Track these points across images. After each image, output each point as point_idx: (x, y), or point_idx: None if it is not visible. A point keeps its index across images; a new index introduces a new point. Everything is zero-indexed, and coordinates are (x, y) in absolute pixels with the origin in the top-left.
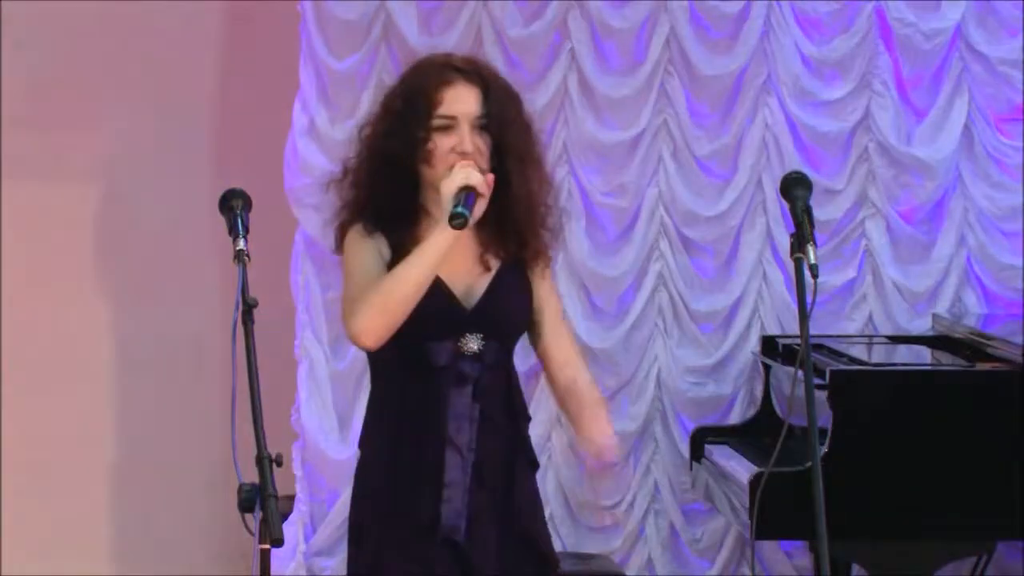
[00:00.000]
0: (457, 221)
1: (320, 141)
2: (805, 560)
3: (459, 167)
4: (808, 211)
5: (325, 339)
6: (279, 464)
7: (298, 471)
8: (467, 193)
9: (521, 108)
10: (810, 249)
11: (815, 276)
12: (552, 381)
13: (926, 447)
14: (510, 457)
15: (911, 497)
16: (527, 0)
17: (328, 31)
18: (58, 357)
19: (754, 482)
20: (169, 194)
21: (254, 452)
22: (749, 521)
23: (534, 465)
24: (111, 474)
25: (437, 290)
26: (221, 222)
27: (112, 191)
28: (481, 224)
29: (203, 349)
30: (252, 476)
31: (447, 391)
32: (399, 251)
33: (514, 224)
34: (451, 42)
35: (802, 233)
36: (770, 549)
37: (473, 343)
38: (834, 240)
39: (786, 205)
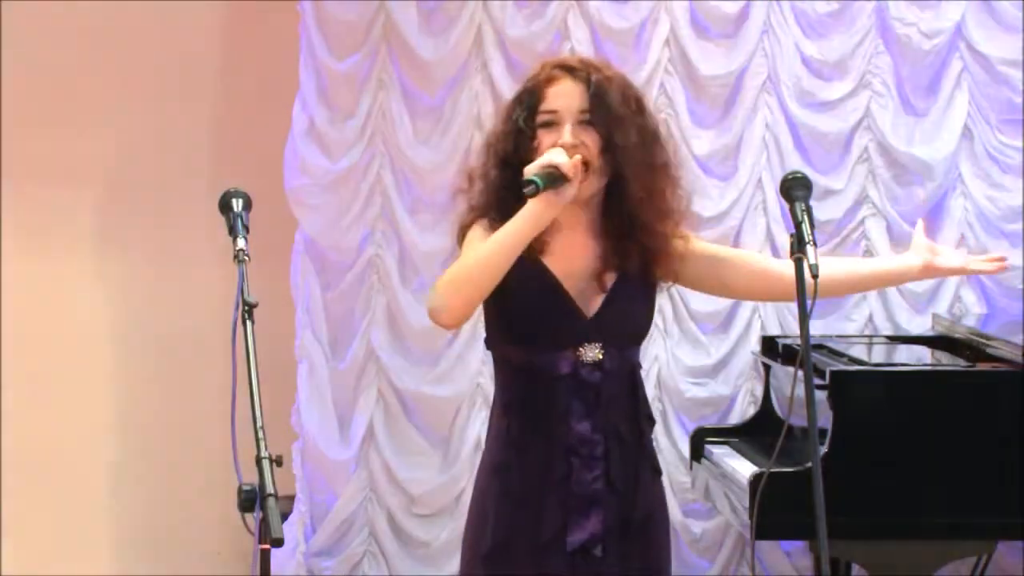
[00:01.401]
0: (528, 188)
1: (320, 141)
2: (805, 560)
3: (548, 151)
4: (808, 211)
5: (325, 339)
6: (279, 464)
7: (298, 471)
8: (549, 172)
9: (638, 107)
10: (810, 249)
11: (815, 276)
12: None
13: (926, 447)
14: (635, 464)
15: (911, 497)
16: (527, 0)
17: (328, 31)
18: (58, 357)
19: (754, 482)
20: (169, 194)
21: (254, 452)
22: (749, 521)
23: (657, 472)
24: (111, 474)
25: (558, 298)
26: (221, 222)
27: (112, 191)
28: (603, 233)
29: (203, 349)
30: (252, 476)
31: (569, 400)
32: (520, 257)
33: (635, 228)
34: (451, 42)
35: (802, 233)
36: (770, 549)
37: (592, 352)
38: (834, 240)
39: (786, 205)
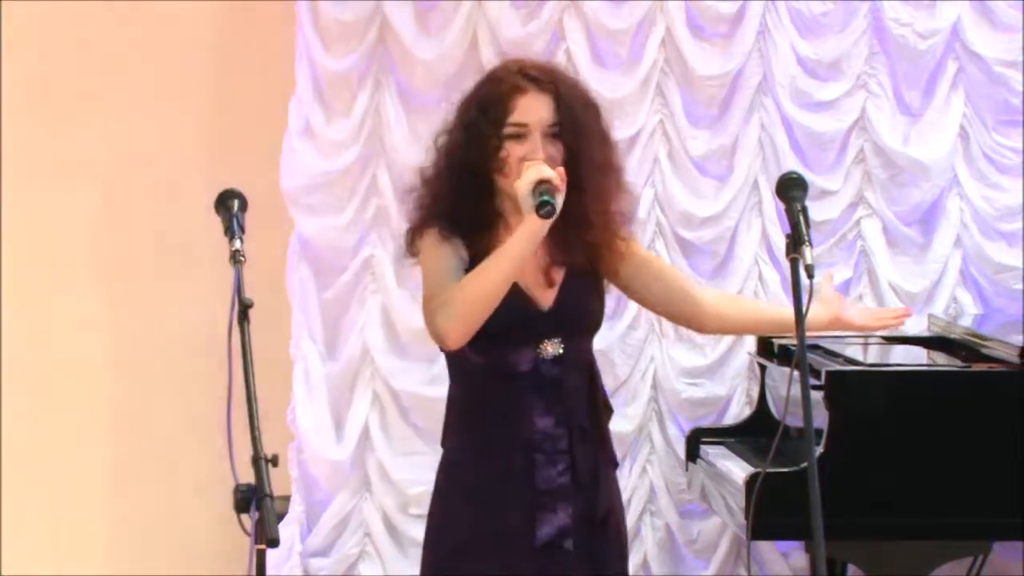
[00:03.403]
0: (545, 209)
1: (316, 141)
2: (801, 560)
3: (528, 165)
4: (804, 212)
5: (320, 340)
6: (275, 464)
7: (294, 471)
8: (544, 187)
9: (598, 117)
10: (806, 250)
11: (811, 276)
12: (708, 327)
13: (922, 447)
14: (596, 457)
15: (908, 497)
16: (523, 0)
17: (324, 31)
18: (54, 357)
19: (750, 482)
20: (165, 194)
21: (250, 452)
22: (745, 522)
23: (615, 464)
24: (107, 474)
25: (514, 296)
26: (217, 222)
27: (108, 191)
28: (551, 233)
29: (199, 349)
30: (248, 477)
31: (530, 396)
32: (477, 258)
33: (587, 233)
34: (447, 43)
35: (798, 234)
36: (766, 550)
37: (552, 347)
38: (830, 240)
39: (782, 206)
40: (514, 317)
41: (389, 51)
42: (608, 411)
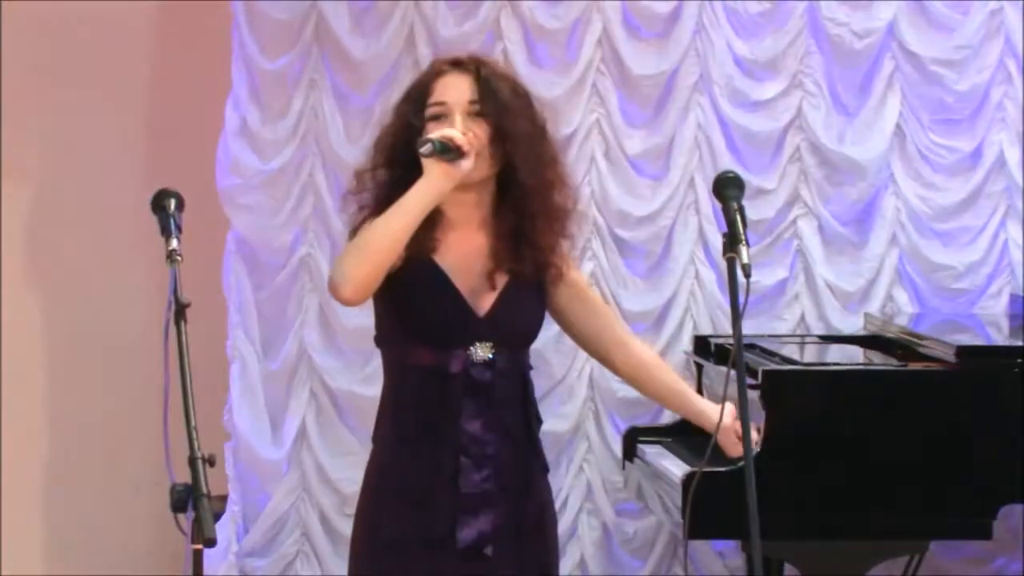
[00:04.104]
0: (425, 147)
1: (252, 141)
2: (738, 560)
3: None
4: (740, 211)
5: (257, 339)
6: (212, 464)
7: (230, 471)
8: (444, 142)
9: (527, 101)
10: (742, 249)
11: (747, 276)
12: (620, 372)
13: (859, 447)
14: (526, 464)
15: (844, 497)
16: (459, 0)
17: (260, 31)
18: None
19: (687, 481)
20: (101, 194)
21: (186, 452)
22: (682, 520)
23: (546, 468)
24: (43, 474)
25: (450, 296)
26: (154, 222)
27: (44, 190)
28: (495, 233)
29: (136, 349)
30: (184, 476)
31: (461, 399)
32: (412, 255)
33: (526, 224)
34: (383, 42)
35: (734, 233)
36: (702, 549)
37: (483, 351)
38: (766, 240)
39: (718, 205)
40: (448, 317)
41: (324, 51)
42: (538, 422)
